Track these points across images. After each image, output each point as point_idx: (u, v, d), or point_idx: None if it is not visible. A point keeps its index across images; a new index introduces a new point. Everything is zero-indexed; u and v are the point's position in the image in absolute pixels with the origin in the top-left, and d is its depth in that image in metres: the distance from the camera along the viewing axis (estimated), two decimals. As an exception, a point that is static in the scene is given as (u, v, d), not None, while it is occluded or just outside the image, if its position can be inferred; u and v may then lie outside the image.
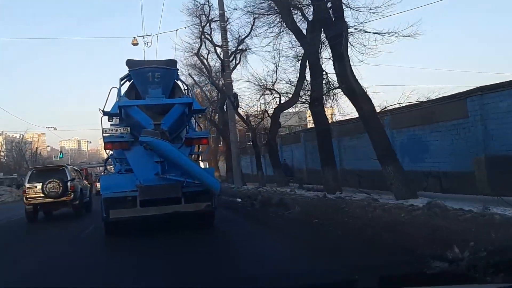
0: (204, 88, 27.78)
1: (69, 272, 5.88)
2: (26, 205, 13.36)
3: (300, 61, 15.96)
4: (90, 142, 78.81)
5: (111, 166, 11.23)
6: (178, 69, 9.02)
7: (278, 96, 18.52)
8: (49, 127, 46.16)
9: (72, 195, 13.41)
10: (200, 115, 9.81)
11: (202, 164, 32.76)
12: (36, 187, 13.21)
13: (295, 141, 24.58)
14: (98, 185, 16.68)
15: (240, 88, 35.35)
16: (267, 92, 18.81)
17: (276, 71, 18.09)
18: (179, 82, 9.36)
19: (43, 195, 13.05)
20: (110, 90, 8.68)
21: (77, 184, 13.89)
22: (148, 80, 8.30)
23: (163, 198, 8.16)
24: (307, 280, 4.30)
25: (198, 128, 10.72)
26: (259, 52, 32.29)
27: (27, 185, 13.55)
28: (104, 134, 8.43)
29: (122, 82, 8.96)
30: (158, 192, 8.11)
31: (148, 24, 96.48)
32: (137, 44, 23.26)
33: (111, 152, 9.58)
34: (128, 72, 8.67)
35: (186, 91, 9.52)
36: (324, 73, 14.10)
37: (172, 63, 8.72)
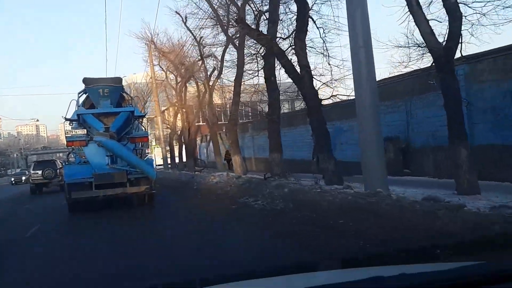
0: None
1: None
2: (30, 184, 22.79)
3: None
4: (37, 120, 76.49)
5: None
6: (123, 86, 12.55)
7: None
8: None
9: (60, 178, 20.72)
10: (141, 120, 13.51)
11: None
12: (37, 172, 22.36)
13: (390, 97, 14.35)
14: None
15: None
16: None
17: None
18: (124, 94, 12.93)
19: (42, 177, 22.12)
20: (71, 102, 12.42)
21: (62, 171, 20.68)
22: (99, 94, 11.89)
23: (113, 182, 11.66)
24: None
25: (142, 129, 14.30)
26: None
27: (31, 171, 22.96)
28: (66, 135, 11.95)
29: (79, 95, 12.55)
30: (109, 178, 11.72)
31: None
32: None
33: (71, 148, 13.07)
34: (84, 87, 12.14)
35: (130, 101, 13.09)
36: None
37: (118, 80, 12.31)
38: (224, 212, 10.22)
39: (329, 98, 13.76)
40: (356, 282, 1.94)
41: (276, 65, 14.70)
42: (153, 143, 53.02)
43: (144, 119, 13.63)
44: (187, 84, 28.70)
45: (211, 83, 23.63)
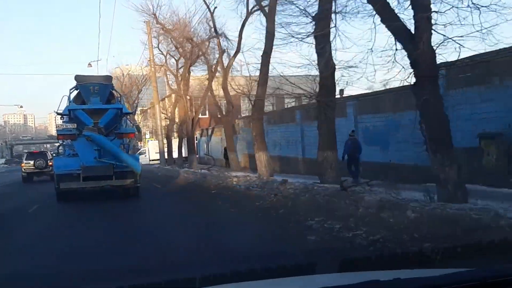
0: None
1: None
2: (22, 173, 25.10)
3: None
4: (21, 107, 70.17)
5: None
6: (112, 84, 13.50)
7: None
8: None
9: (50, 168, 22.44)
10: (129, 116, 14.59)
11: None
12: (30, 163, 24.71)
13: (487, 77, 11.10)
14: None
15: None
16: None
17: None
18: (114, 92, 13.88)
19: (34, 167, 24.50)
20: (62, 97, 13.49)
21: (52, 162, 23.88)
22: (90, 91, 12.91)
23: (100, 175, 12.62)
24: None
25: (130, 125, 15.28)
26: None
27: (24, 161, 25.37)
28: (57, 129, 12.90)
29: (71, 91, 13.51)
30: (96, 171, 12.72)
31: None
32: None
33: (61, 141, 14.00)
34: (76, 84, 13.07)
35: (119, 98, 14.05)
36: None
37: (108, 78, 13.29)
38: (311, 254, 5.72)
39: (454, 64, 9.05)
40: (350, 286, 2.01)
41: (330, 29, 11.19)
42: (147, 136, 52.05)
43: (137, 110, 14.54)
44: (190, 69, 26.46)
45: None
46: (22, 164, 25.81)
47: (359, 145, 14.12)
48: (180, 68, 28.10)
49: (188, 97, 27.38)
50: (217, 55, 22.49)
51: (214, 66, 23.16)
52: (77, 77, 13.41)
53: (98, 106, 13.12)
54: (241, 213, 9.68)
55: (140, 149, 44.41)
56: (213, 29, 21.91)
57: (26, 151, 32.82)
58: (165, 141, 31.63)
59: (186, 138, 28.70)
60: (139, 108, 48.24)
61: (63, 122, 13.50)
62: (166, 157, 30.95)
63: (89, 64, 34.31)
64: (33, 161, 24.70)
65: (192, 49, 24.69)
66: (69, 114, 13.10)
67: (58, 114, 13.35)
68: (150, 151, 40.63)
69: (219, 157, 29.22)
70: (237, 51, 20.08)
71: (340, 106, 16.15)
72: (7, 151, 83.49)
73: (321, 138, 12.08)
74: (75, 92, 13.91)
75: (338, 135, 15.75)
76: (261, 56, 15.38)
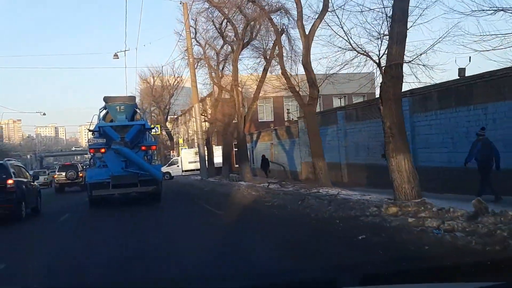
0: None
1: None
2: (55, 184, 28.81)
3: None
4: (44, 114, 66.08)
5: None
6: (136, 103, 15.82)
7: None
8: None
9: (80, 179, 26.24)
10: (151, 131, 16.94)
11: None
12: (62, 174, 27.80)
13: None
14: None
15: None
16: None
17: None
18: (137, 110, 16.17)
19: (65, 178, 27.38)
20: (93, 116, 15.70)
21: (83, 173, 26.52)
22: (117, 110, 15.31)
23: (127, 183, 14.84)
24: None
25: (152, 138, 17.57)
26: None
27: (57, 173, 28.76)
28: (89, 143, 15.23)
29: (100, 110, 15.97)
30: (123, 179, 15.13)
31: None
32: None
33: (92, 154, 16.44)
34: (104, 104, 15.43)
35: (142, 115, 16.32)
36: None
37: (132, 98, 15.75)
38: None
39: None
40: None
41: None
42: (180, 142, 50.42)
43: (168, 116, 16.56)
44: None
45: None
46: (55, 176, 29.03)
47: (494, 149, 10.15)
48: (221, 61, 25.62)
49: (240, 89, 22.53)
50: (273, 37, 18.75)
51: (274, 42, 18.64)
52: (105, 98, 15.96)
53: (124, 123, 15.61)
54: None
55: (172, 158, 43.40)
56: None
57: (56, 163, 35.79)
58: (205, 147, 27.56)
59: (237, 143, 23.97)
60: (169, 116, 49.52)
61: (94, 137, 15.89)
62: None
63: (115, 55, 31.54)
64: (65, 172, 27.57)
65: (247, 22, 20.16)
66: (99, 131, 15.61)
67: (90, 131, 15.86)
68: (183, 160, 37.57)
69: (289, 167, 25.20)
70: (325, 8, 14.01)
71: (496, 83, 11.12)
72: (36, 163, 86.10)
73: None
74: (104, 111, 16.64)
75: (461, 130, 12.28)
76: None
